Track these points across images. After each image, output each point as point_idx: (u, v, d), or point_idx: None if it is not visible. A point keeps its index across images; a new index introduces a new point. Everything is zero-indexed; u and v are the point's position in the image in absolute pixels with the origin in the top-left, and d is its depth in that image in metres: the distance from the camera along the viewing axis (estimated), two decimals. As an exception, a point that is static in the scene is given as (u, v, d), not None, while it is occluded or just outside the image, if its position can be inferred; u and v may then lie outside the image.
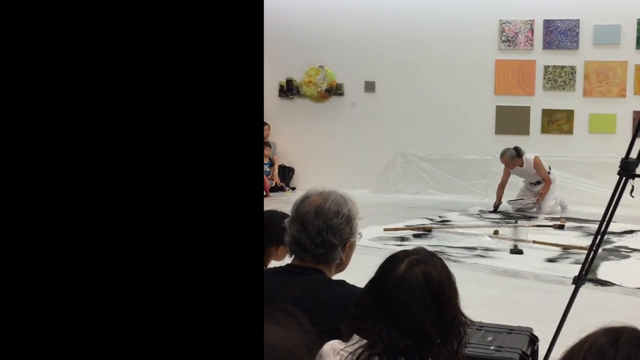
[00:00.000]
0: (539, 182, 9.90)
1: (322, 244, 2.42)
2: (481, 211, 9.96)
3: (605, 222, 3.22)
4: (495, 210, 9.84)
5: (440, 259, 1.95)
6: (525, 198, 9.91)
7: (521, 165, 9.82)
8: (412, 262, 1.88)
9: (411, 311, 1.83)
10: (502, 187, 10.03)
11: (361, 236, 2.63)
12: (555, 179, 9.94)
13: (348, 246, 2.49)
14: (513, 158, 9.79)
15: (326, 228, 2.41)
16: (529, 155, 9.81)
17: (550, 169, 9.88)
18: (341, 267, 2.57)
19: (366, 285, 1.97)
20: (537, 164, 9.77)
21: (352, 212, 2.49)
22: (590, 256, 3.28)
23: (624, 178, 3.10)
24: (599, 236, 3.20)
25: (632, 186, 3.10)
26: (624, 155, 3.22)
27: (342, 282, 2.50)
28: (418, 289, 1.84)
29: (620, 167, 3.09)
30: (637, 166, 3.09)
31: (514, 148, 9.85)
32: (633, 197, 3.17)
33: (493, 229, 8.18)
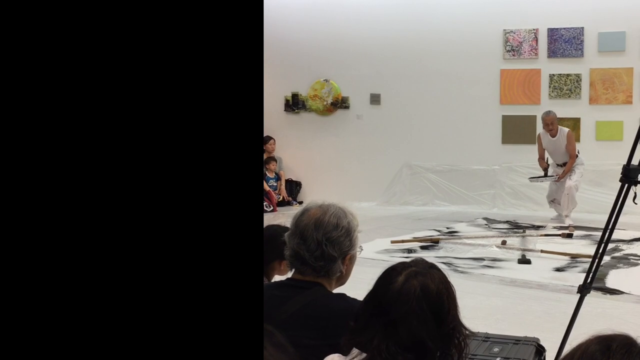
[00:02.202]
0: (565, 164, 9.72)
1: (321, 257, 2.41)
2: (488, 220, 9.92)
3: (608, 230, 3.20)
4: (546, 174, 9.75)
5: (440, 270, 1.94)
6: (549, 177, 9.79)
7: (554, 135, 9.67)
8: (410, 275, 1.86)
9: (410, 324, 1.82)
10: (542, 158, 9.90)
11: (362, 249, 2.62)
12: (583, 162, 9.80)
13: (348, 259, 2.48)
14: (556, 118, 9.70)
15: (326, 240, 2.40)
16: (563, 128, 9.78)
17: (579, 152, 9.79)
18: (342, 280, 2.56)
19: (365, 298, 1.96)
20: (570, 136, 9.66)
21: (351, 224, 2.47)
22: (595, 264, 3.26)
23: (626, 185, 3.08)
24: (603, 244, 3.18)
25: (635, 193, 3.08)
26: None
27: (343, 295, 2.48)
28: (416, 302, 1.82)
29: (622, 174, 3.07)
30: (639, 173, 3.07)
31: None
32: (636, 203, 3.15)
33: (501, 239, 8.14)
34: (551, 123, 9.61)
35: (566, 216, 9.56)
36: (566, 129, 9.74)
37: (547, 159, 9.83)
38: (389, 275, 1.90)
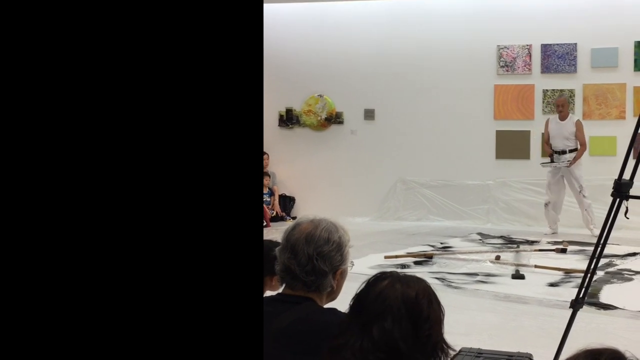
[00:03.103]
0: (564, 152, 9.84)
1: (312, 272, 2.40)
2: (482, 236, 9.92)
3: (601, 244, 3.19)
4: (552, 160, 9.89)
5: (428, 284, 1.92)
6: (559, 162, 9.85)
7: (563, 118, 9.94)
8: (395, 280, 1.86)
9: (384, 323, 1.79)
10: (547, 143, 10.08)
11: (353, 264, 2.61)
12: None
13: (339, 274, 2.47)
14: (568, 101, 10.06)
15: (316, 255, 2.39)
16: (573, 115, 10.08)
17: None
18: (333, 295, 2.54)
19: (352, 299, 1.95)
20: (579, 124, 9.93)
21: (343, 239, 2.46)
22: (587, 279, 3.25)
23: (617, 199, 3.08)
24: (595, 258, 3.17)
25: (627, 207, 3.08)
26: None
27: (334, 310, 2.47)
28: (394, 302, 1.81)
29: (613, 188, 3.07)
30: (631, 187, 3.07)
31: None
32: (628, 218, 3.15)
33: (495, 255, 8.13)
34: (562, 105, 9.93)
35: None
36: (576, 117, 10.05)
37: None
38: (374, 281, 1.89)
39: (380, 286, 1.85)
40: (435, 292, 1.90)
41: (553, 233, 9.98)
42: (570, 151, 9.86)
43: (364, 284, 1.93)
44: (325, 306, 2.52)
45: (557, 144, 9.92)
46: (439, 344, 1.82)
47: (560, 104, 9.96)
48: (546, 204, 10.07)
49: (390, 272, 1.94)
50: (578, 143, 9.89)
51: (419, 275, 2.01)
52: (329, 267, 2.41)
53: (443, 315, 1.87)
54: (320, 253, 2.40)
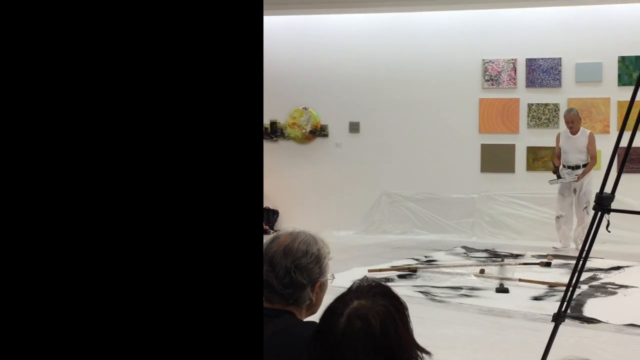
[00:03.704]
0: (577, 167, 9.62)
1: (290, 284, 2.38)
2: (467, 249, 9.91)
3: (583, 258, 3.18)
4: (558, 177, 9.65)
5: (385, 295, 1.78)
6: (567, 177, 9.64)
7: (575, 133, 9.71)
8: (351, 315, 1.72)
9: None
10: (557, 156, 9.89)
11: (333, 278, 2.58)
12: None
13: (318, 286, 2.44)
14: (579, 116, 9.77)
15: (294, 267, 2.37)
16: (585, 129, 9.84)
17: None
18: (312, 309, 2.51)
19: (311, 339, 1.84)
20: (592, 137, 9.70)
21: (321, 251, 2.44)
22: (570, 292, 3.23)
23: (599, 213, 3.07)
24: (577, 272, 3.15)
25: (608, 221, 3.07)
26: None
27: (313, 323, 2.44)
28: (360, 346, 1.69)
29: (595, 202, 3.06)
30: (612, 201, 3.06)
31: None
32: (609, 231, 3.14)
33: (479, 268, 8.12)
34: (571, 121, 9.69)
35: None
36: (588, 130, 9.81)
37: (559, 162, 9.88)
38: (331, 318, 1.76)
39: (339, 327, 1.72)
40: (399, 298, 1.79)
41: (564, 247, 9.80)
42: (584, 166, 9.65)
43: (320, 323, 1.79)
44: (305, 320, 2.49)
45: (571, 158, 9.71)
46: (414, 355, 1.76)
47: (569, 120, 9.70)
48: (558, 217, 9.86)
49: (341, 298, 1.79)
50: (589, 157, 9.69)
51: (402, 288, 1.93)
52: (307, 279, 2.39)
53: (411, 325, 1.80)
54: (298, 265, 2.38)
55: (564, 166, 9.73)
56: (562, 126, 10.79)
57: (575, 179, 9.56)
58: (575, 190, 9.78)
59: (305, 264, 2.38)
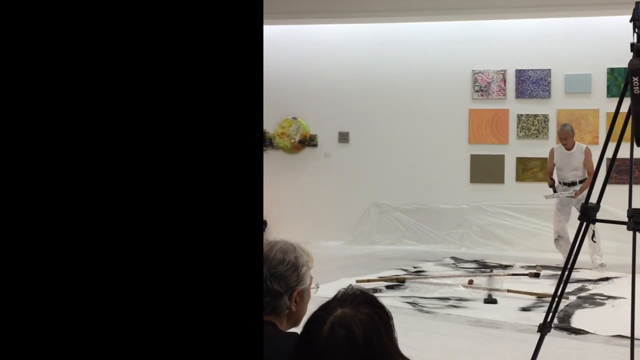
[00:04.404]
0: (574, 183, 9.19)
1: (266, 292, 2.36)
2: (456, 260, 9.87)
3: (568, 268, 3.15)
4: (555, 191, 9.21)
5: (370, 304, 1.77)
6: (563, 192, 9.16)
7: (570, 148, 9.21)
8: (335, 323, 1.70)
9: None
10: (550, 173, 9.41)
11: (318, 287, 2.56)
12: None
13: (296, 295, 2.41)
14: (573, 132, 9.24)
15: (270, 276, 2.37)
16: (580, 143, 9.36)
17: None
18: (293, 318, 2.48)
19: (293, 350, 1.81)
20: (588, 152, 9.16)
21: (299, 260, 2.42)
22: (555, 302, 3.20)
23: (584, 223, 3.04)
24: (562, 283, 3.12)
25: (593, 231, 3.04)
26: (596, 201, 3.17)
27: (295, 334, 2.40)
28: (343, 355, 1.66)
29: (580, 212, 3.03)
30: (597, 211, 3.03)
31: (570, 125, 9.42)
32: (595, 241, 3.11)
33: (468, 279, 8.09)
34: (565, 137, 9.16)
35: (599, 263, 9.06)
36: (584, 145, 9.30)
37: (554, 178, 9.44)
38: (314, 326, 1.73)
39: (322, 335, 1.70)
40: (384, 307, 1.76)
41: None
42: (581, 182, 9.18)
43: (303, 332, 1.77)
44: (287, 331, 2.46)
45: (566, 175, 9.28)
46: None
47: (563, 136, 9.21)
48: (556, 239, 9.36)
49: (325, 307, 1.77)
50: (587, 172, 9.21)
51: (390, 299, 1.90)
52: (284, 287, 2.38)
53: (395, 335, 1.77)
54: (274, 274, 2.37)
55: (560, 182, 9.35)
56: (554, 140, 10.81)
57: (573, 194, 9.08)
58: (571, 208, 9.29)
59: (281, 271, 2.38)
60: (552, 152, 9.49)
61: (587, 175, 9.19)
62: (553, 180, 9.29)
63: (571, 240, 9.06)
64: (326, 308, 1.76)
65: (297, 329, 2.46)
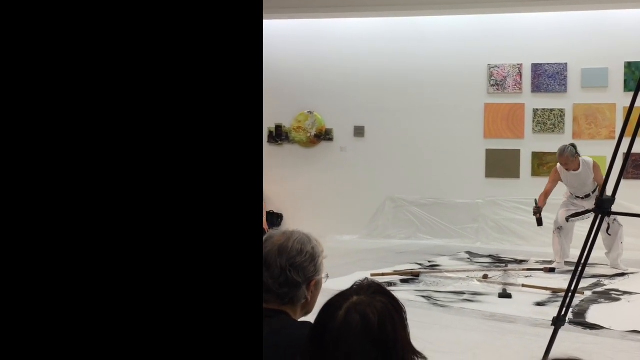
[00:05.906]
0: (587, 196, 8.66)
1: (285, 283, 2.38)
2: (471, 254, 9.87)
3: (582, 261, 3.15)
4: (539, 223, 8.69)
5: (385, 294, 1.79)
6: (584, 216, 8.30)
7: (576, 169, 8.58)
8: (350, 309, 1.72)
9: None
10: (545, 196, 8.75)
11: (328, 277, 2.58)
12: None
13: (313, 285, 2.44)
14: (574, 155, 8.51)
15: (289, 266, 2.38)
16: (586, 158, 8.69)
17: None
18: (307, 308, 2.51)
19: (308, 335, 1.84)
20: (597, 167, 8.57)
21: (316, 250, 2.44)
22: (570, 295, 3.21)
23: (599, 215, 3.04)
24: (577, 276, 3.13)
25: (608, 224, 3.04)
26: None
27: (308, 323, 2.42)
28: (357, 339, 1.69)
29: (595, 204, 3.03)
30: (612, 204, 3.04)
31: (571, 144, 8.68)
32: (609, 235, 3.11)
33: (482, 273, 8.08)
34: (565, 163, 8.59)
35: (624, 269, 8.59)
36: (590, 160, 8.68)
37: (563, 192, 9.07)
38: (329, 311, 1.76)
39: (338, 320, 1.73)
40: (398, 301, 1.79)
41: (559, 267, 8.66)
42: (594, 192, 8.60)
43: (319, 316, 1.79)
44: (300, 320, 2.48)
45: (580, 192, 8.77)
46: (409, 357, 1.75)
47: (563, 162, 8.59)
48: (558, 229, 8.87)
49: (342, 294, 1.80)
50: (596, 185, 8.64)
51: (405, 293, 1.92)
52: (303, 278, 2.40)
53: (408, 329, 1.79)
54: (294, 264, 2.38)
55: (572, 195, 8.88)
56: (570, 135, 10.78)
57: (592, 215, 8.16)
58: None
59: (300, 262, 2.39)
60: (554, 173, 8.88)
61: (598, 186, 8.56)
62: (540, 208, 8.71)
63: (570, 239, 9.02)
64: (342, 295, 1.79)
65: (308, 318, 2.49)
